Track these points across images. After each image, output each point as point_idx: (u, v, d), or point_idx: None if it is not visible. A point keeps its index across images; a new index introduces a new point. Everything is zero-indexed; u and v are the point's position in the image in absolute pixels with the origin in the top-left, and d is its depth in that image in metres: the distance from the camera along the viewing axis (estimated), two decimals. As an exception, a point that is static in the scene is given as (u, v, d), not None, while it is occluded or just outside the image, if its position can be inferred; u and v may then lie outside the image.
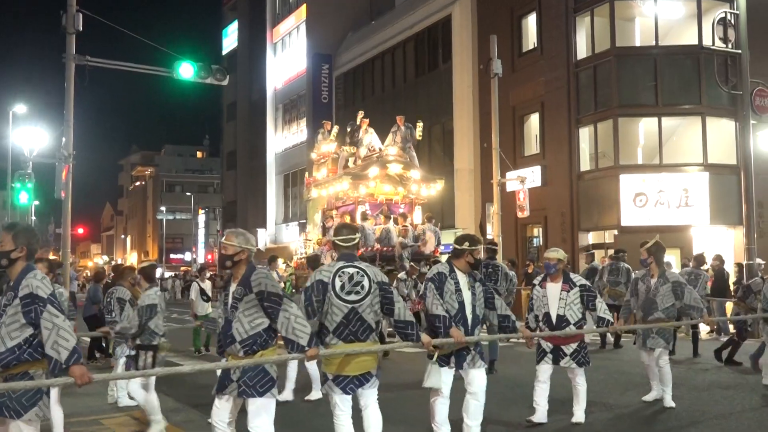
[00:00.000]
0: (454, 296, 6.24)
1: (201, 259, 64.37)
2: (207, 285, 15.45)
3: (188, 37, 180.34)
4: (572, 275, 7.72)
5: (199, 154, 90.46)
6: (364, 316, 5.39)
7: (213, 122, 71.85)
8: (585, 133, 23.57)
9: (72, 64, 15.04)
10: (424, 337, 5.95)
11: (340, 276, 5.42)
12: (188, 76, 15.89)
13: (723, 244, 20.98)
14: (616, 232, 21.91)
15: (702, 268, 14.18)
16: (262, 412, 5.09)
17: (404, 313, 5.47)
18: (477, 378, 6.27)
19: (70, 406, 7.19)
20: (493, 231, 21.73)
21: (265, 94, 45.02)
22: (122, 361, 8.24)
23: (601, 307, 7.43)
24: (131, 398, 7.71)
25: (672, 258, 20.67)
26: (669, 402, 8.35)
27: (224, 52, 53.09)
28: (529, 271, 19.03)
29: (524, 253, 24.40)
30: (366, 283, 5.43)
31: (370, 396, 5.48)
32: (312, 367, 8.90)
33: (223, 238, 5.38)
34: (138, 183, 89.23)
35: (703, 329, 15.29)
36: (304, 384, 9.33)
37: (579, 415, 7.60)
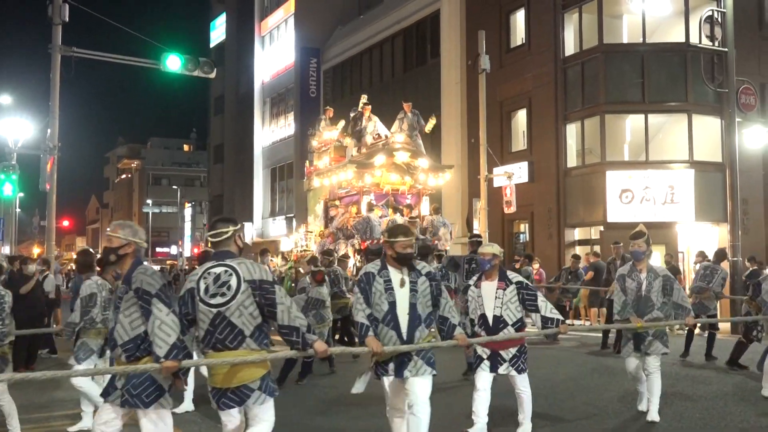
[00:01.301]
0: (383, 296, 5.49)
1: (187, 253, 64.18)
2: None
3: (176, 30, 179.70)
4: (509, 272, 6.96)
5: (185, 148, 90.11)
6: (234, 320, 4.68)
7: (200, 115, 71.87)
8: (572, 130, 23.64)
9: (58, 55, 14.98)
10: (370, 341, 5.33)
11: (205, 278, 4.77)
12: (175, 68, 15.85)
13: (708, 241, 21.10)
14: (602, 228, 22.01)
15: (722, 264, 13.03)
16: (158, 423, 4.69)
17: (289, 317, 4.73)
18: (417, 387, 5.45)
19: (50, 399, 7.14)
20: (479, 226, 21.76)
21: (253, 87, 44.90)
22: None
23: (547, 307, 6.70)
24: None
25: (656, 254, 20.81)
26: (654, 415, 7.57)
27: (212, 44, 52.85)
28: (517, 266, 18.66)
29: (511, 249, 24.46)
30: (234, 282, 4.71)
31: (258, 414, 4.77)
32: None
33: (109, 229, 4.96)
34: (124, 176, 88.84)
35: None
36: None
37: (526, 427, 6.89)
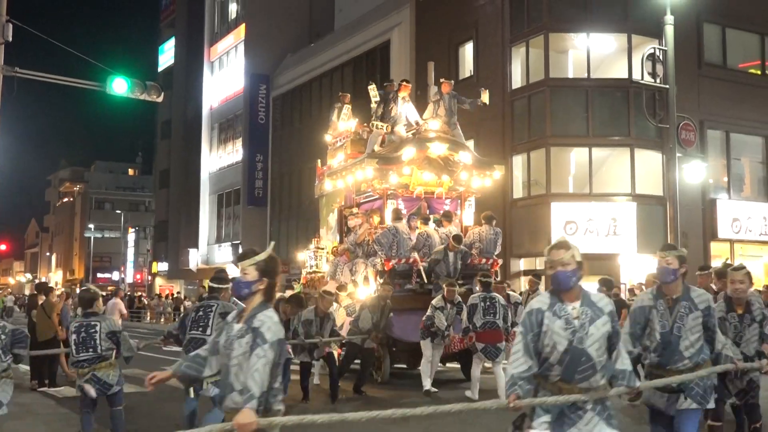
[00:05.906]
0: None
1: (129, 279, 62.95)
2: None
3: (124, 53, 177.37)
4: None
5: (131, 172, 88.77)
6: None
7: (146, 140, 70.66)
8: (518, 161, 23.97)
9: (0, 75, 14.63)
10: None
11: None
12: (122, 91, 15.58)
13: (649, 273, 21.47)
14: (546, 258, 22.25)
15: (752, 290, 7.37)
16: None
17: None
18: None
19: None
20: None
21: (201, 112, 44.60)
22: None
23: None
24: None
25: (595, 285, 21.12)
26: None
27: (160, 68, 52.49)
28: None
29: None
30: None
31: None
32: None
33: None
34: (66, 199, 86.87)
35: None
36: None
37: None
